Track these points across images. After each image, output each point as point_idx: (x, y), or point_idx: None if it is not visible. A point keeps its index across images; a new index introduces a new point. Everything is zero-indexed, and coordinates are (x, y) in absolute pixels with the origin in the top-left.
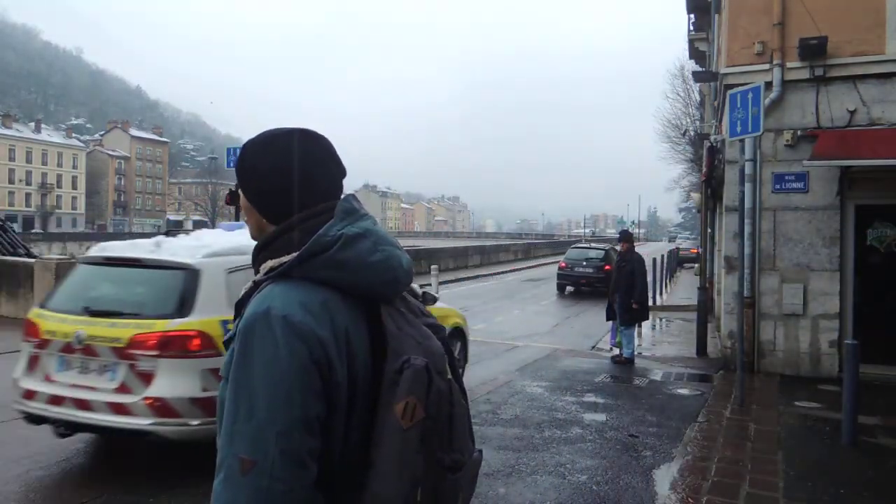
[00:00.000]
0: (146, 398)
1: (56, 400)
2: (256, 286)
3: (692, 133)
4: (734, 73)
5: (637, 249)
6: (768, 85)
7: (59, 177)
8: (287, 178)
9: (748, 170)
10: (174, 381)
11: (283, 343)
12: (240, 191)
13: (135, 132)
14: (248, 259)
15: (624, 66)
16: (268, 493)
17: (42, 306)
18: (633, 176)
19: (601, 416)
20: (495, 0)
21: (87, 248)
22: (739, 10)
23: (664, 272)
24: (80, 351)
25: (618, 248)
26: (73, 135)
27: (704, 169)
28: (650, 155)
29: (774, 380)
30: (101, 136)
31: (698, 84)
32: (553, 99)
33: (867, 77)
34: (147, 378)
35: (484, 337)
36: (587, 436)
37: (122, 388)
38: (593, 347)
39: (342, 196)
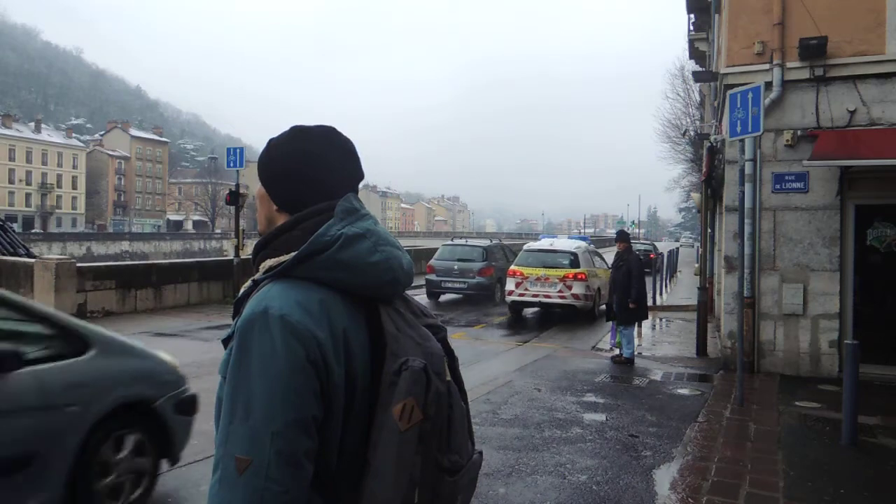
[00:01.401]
0: (573, 294)
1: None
2: (256, 285)
3: (692, 133)
4: (734, 73)
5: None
6: (768, 85)
7: (59, 177)
8: (301, 166)
9: (748, 170)
10: (580, 288)
11: (280, 343)
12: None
13: (135, 132)
14: (589, 247)
15: (624, 66)
16: (263, 494)
17: (516, 265)
18: (633, 176)
19: (601, 416)
20: (496, 1)
21: (88, 248)
22: (739, 10)
23: (664, 272)
24: (542, 280)
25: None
26: (73, 135)
27: (704, 169)
28: (650, 155)
29: (774, 380)
30: (101, 136)
31: (698, 84)
32: (553, 99)
33: (867, 77)
34: (570, 287)
35: (484, 337)
36: (587, 436)
37: (561, 292)
38: (593, 347)
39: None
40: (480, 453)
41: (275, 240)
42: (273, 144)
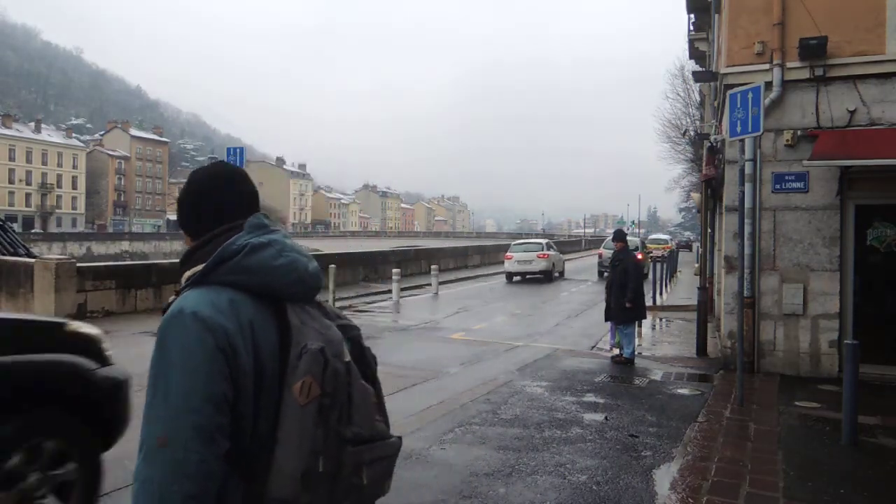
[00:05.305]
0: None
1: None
2: (178, 295)
3: (692, 133)
4: (734, 73)
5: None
6: (768, 85)
7: (59, 177)
8: (195, 203)
9: (748, 170)
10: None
11: (193, 334)
12: None
13: (135, 132)
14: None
15: (624, 66)
16: (183, 464)
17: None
18: (633, 176)
19: (601, 416)
20: (497, 5)
21: (88, 247)
22: (739, 10)
23: (664, 272)
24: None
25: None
26: (73, 135)
27: (704, 169)
28: (650, 155)
29: (774, 380)
30: (101, 136)
31: (698, 84)
32: (553, 99)
33: (867, 77)
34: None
35: (484, 337)
36: (587, 436)
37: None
38: (593, 347)
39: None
40: (399, 438)
41: (193, 256)
42: (188, 182)
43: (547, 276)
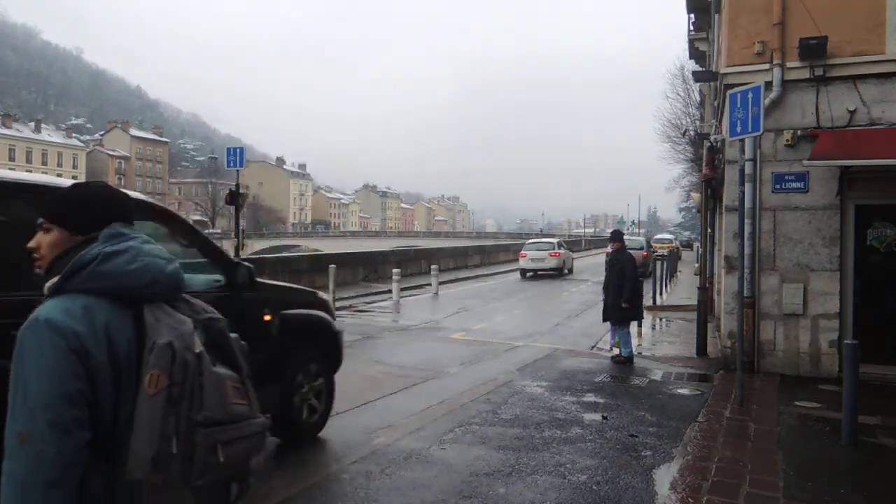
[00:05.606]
0: (553, 263)
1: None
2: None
3: (692, 133)
4: (734, 73)
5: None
6: (768, 85)
7: (59, 177)
8: (62, 216)
9: (748, 170)
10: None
11: (46, 339)
12: None
13: (135, 132)
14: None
15: (624, 66)
16: (41, 456)
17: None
18: (633, 176)
19: (601, 416)
20: (496, 2)
21: None
22: (739, 10)
23: (664, 272)
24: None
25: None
26: (73, 135)
27: (704, 169)
28: (650, 155)
29: (774, 380)
30: (101, 136)
31: (698, 84)
32: (553, 100)
33: (867, 77)
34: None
35: (484, 337)
36: (587, 436)
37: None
38: (593, 347)
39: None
40: (267, 418)
41: (53, 268)
42: (68, 196)
43: (558, 272)
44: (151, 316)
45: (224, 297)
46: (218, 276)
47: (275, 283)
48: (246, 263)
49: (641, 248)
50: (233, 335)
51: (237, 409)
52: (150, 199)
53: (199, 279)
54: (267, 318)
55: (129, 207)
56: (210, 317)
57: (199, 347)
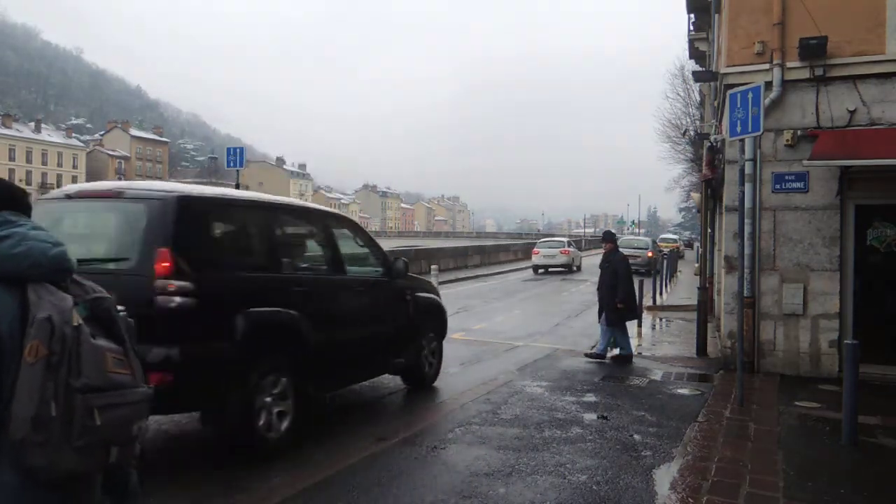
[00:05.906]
0: (563, 260)
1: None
2: None
3: (692, 133)
4: (734, 73)
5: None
6: (768, 85)
7: (59, 177)
8: None
9: (748, 170)
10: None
11: None
12: None
13: (135, 132)
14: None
15: (624, 66)
16: None
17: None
18: (633, 176)
19: (601, 416)
20: (496, 2)
21: None
22: (739, 9)
23: (664, 272)
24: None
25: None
26: (73, 135)
27: (704, 169)
28: (650, 155)
29: (774, 380)
30: (101, 135)
31: (698, 84)
32: (553, 100)
33: (867, 77)
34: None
35: (484, 337)
36: (587, 436)
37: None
38: (593, 347)
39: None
40: (150, 388)
41: None
42: None
43: (568, 269)
44: (35, 294)
45: (385, 282)
46: (380, 268)
47: (411, 274)
48: (403, 259)
49: (647, 248)
50: (121, 313)
51: (118, 377)
52: (345, 214)
53: (369, 269)
54: (407, 298)
55: (18, 197)
56: (97, 296)
57: (77, 321)
